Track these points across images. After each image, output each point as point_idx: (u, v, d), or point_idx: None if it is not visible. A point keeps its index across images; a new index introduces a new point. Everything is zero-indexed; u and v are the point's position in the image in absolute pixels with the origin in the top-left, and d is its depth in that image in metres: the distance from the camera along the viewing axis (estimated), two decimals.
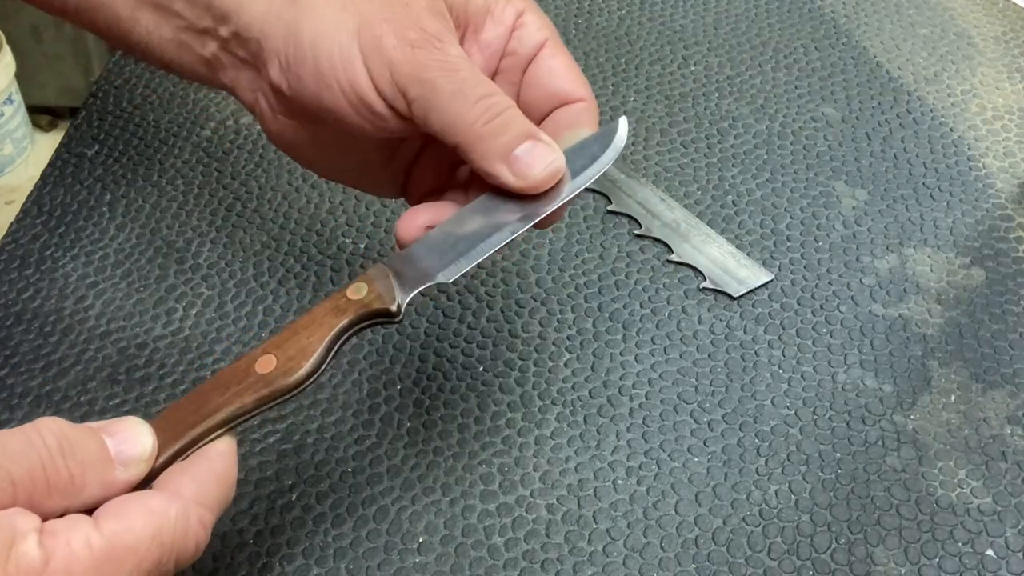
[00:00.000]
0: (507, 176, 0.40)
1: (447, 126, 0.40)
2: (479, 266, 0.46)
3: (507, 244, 0.41)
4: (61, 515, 0.34)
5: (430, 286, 0.41)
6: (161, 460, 0.36)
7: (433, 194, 0.45)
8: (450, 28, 0.41)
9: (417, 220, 0.42)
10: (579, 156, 0.42)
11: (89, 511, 0.34)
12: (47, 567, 0.31)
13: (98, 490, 0.34)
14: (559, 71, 0.43)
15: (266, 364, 0.38)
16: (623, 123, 0.43)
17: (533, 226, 0.42)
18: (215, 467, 0.37)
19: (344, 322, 0.39)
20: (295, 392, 0.38)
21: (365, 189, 0.49)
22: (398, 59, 0.40)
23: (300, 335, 0.39)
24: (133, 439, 0.36)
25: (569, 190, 0.41)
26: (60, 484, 0.33)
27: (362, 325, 0.40)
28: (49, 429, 0.34)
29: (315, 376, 0.39)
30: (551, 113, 0.43)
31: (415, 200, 0.46)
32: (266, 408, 0.38)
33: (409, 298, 0.40)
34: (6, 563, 0.31)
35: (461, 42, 0.43)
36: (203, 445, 0.37)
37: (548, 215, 0.41)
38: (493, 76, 0.44)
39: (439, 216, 0.42)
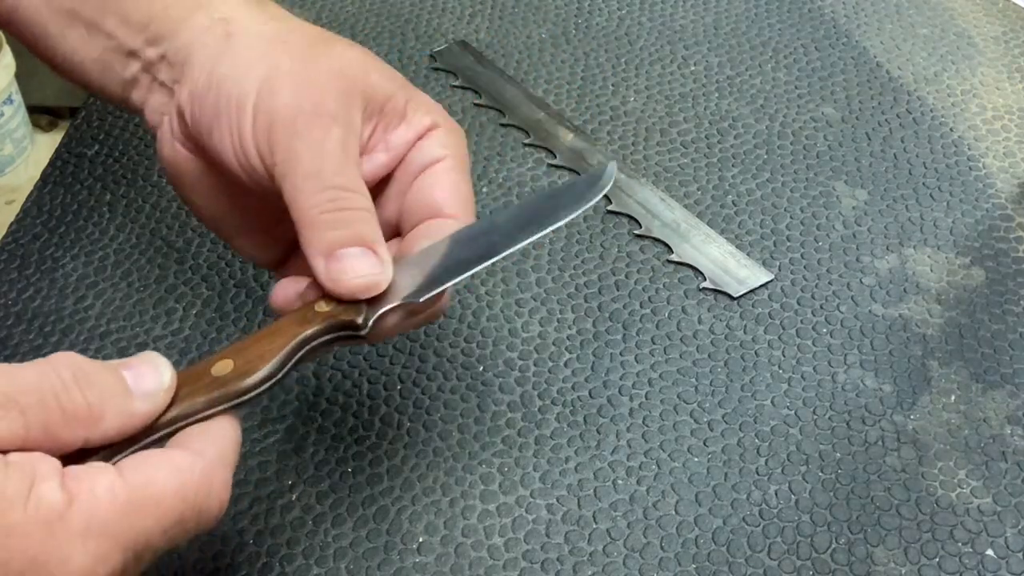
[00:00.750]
0: (321, 272, 0.39)
1: (292, 200, 0.39)
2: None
3: (482, 271, 0.41)
4: (81, 448, 0.34)
5: (398, 305, 0.40)
6: (102, 454, 0.35)
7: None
8: (351, 117, 0.41)
9: (290, 290, 0.42)
10: (566, 194, 0.43)
11: (109, 447, 0.34)
12: (69, 509, 0.31)
13: (117, 420, 0.34)
14: (443, 184, 0.42)
15: (223, 368, 0.37)
16: (612, 167, 0.43)
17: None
18: (231, 433, 0.37)
19: (308, 331, 0.39)
20: (249, 396, 0.37)
21: (237, 246, 0.46)
22: (281, 116, 0.39)
23: (262, 342, 0.38)
24: (151, 371, 0.35)
25: (552, 225, 0.42)
26: (77, 413, 0.33)
27: (327, 338, 0.39)
28: (63, 362, 0.34)
29: (271, 381, 0.38)
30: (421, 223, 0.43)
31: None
32: (217, 412, 0.37)
33: (377, 315, 0.40)
34: (26, 504, 0.31)
35: (369, 136, 0.42)
36: (143, 446, 0.36)
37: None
38: (387, 178, 0.43)
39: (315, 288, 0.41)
